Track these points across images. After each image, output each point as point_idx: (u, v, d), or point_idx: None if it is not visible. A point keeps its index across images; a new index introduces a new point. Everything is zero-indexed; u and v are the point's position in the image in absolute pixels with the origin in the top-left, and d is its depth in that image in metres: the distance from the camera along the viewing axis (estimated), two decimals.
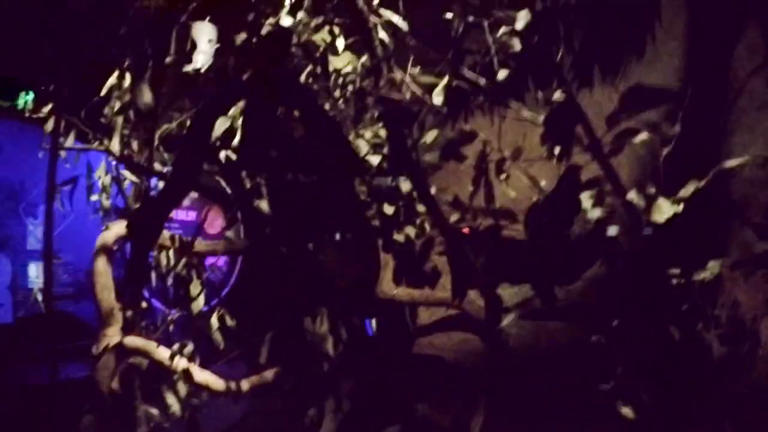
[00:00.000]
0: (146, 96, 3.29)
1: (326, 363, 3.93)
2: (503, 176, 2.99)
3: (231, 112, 3.47)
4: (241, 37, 3.29)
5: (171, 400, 3.29)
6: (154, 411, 3.71)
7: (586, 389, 4.23)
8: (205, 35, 3.71)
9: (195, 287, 3.37)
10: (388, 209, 4.41)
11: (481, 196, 3.13)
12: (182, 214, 6.95)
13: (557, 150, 2.31)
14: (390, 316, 5.10)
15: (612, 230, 3.43)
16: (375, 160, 4.19)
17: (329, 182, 4.54)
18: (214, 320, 3.35)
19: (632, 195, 1.98)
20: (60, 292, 6.15)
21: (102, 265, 3.49)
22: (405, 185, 4.20)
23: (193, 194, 6.34)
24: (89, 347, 3.44)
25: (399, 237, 4.49)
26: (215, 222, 6.93)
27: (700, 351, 3.02)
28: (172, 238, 3.53)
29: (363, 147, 4.17)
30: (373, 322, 6.34)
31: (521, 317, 4.57)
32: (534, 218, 2.37)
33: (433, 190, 3.57)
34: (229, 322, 3.58)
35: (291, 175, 4.48)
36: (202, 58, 3.45)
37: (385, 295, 4.57)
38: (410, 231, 4.28)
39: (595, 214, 2.08)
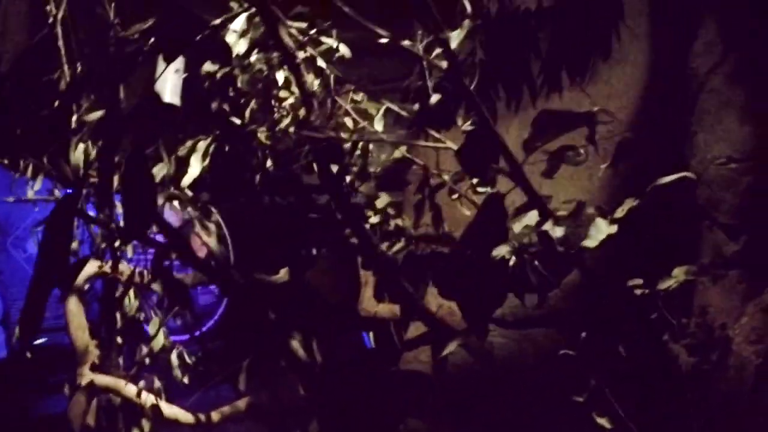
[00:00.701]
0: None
1: (308, 383, 3.92)
2: (455, 197, 2.97)
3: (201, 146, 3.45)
4: (208, 67, 3.30)
5: None
6: None
7: (568, 399, 4.21)
8: (171, 66, 3.72)
9: (153, 325, 3.39)
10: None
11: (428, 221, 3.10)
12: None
13: (475, 180, 2.28)
14: (375, 333, 5.10)
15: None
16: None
17: (305, 203, 4.55)
18: (174, 358, 3.36)
19: (548, 226, 1.94)
20: (53, 324, 6.21)
21: (74, 305, 3.53)
22: (381, 201, 4.20)
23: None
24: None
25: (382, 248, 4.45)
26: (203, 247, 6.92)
27: (668, 362, 2.98)
28: (140, 274, 3.56)
29: None
30: (371, 335, 6.35)
31: (504, 326, 4.55)
32: (466, 244, 2.34)
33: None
34: (188, 359, 3.59)
35: (267, 198, 4.50)
36: (171, 92, 3.46)
37: (367, 313, 4.57)
38: (385, 248, 4.26)
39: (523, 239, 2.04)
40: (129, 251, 3.64)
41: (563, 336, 4.36)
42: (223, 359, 4.51)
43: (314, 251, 4.53)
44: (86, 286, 3.63)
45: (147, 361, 3.47)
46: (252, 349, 4.14)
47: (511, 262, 1.98)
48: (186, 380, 3.41)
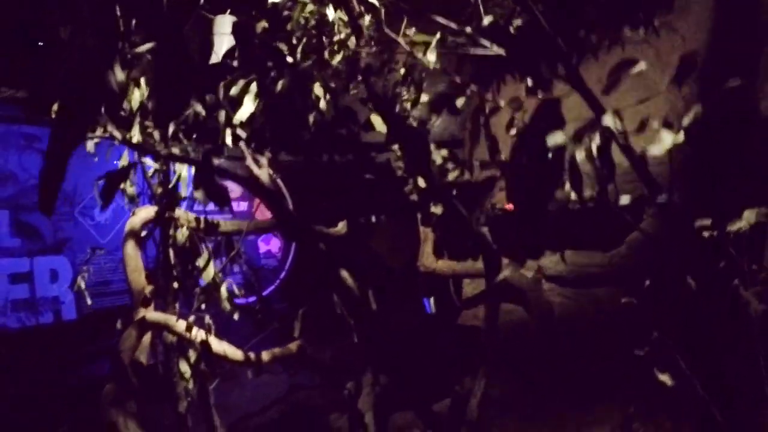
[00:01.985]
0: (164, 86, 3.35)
1: (366, 336, 3.89)
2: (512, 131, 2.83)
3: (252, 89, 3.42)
4: (262, 25, 3.28)
5: (184, 367, 3.34)
6: (191, 387, 3.80)
7: (629, 359, 4.03)
8: (225, 26, 3.75)
9: (203, 259, 3.40)
10: (423, 183, 4.33)
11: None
12: (233, 204, 6.99)
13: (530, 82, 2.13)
14: (435, 297, 5.02)
15: (624, 199, 3.26)
16: None
17: (365, 161, 4.50)
18: (224, 290, 3.37)
19: (608, 119, 1.79)
20: (119, 288, 6.39)
21: (131, 249, 3.58)
22: (438, 156, 4.10)
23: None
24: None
25: (437, 210, 4.37)
26: (267, 211, 6.98)
27: (738, 309, 2.79)
28: (197, 219, 3.58)
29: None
30: (432, 300, 6.28)
31: (565, 285, 4.41)
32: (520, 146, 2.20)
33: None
34: (237, 291, 3.60)
35: (326, 156, 4.47)
36: (223, 49, 3.46)
37: (426, 269, 4.50)
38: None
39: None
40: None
41: (625, 294, 4.19)
42: (282, 315, 4.52)
43: (374, 218, 4.49)
44: (144, 232, 3.68)
45: (200, 298, 3.49)
46: (309, 298, 4.13)
47: (568, 154, 1.81)
48: (236, 316, 3.42)
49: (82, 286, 4.23)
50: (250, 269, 5.55)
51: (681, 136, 2.02)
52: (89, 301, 4.57)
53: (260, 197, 3.82)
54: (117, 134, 3.32)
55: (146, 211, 3.65)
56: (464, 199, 2.92)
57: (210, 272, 3.32)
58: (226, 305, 3.36)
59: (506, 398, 4.39)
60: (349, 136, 4.67)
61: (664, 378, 3.18)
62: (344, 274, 3.25)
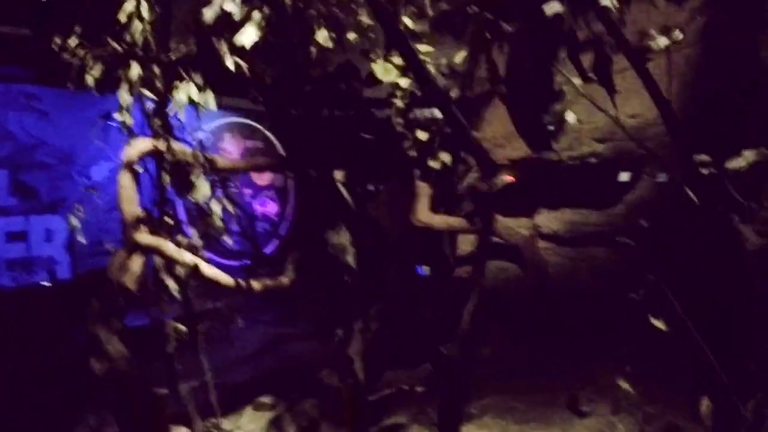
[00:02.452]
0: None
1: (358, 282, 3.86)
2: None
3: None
4: None
5: (171, 284, 3.28)
6: (183, 328, 3.77)
7: (623, 314, 4.01)
8: None
9: (196, 176, 3.35)
10: (422, 135, 4.31)
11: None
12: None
13: None
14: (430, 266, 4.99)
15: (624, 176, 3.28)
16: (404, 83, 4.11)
17: (365, 117, 4.49)
18: (215, 207, 3.32)
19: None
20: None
21: (126, 179, 3.53)
22: (439, 113, 4.08)
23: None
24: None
25: (435, 164, 4.35)
26: (264, 175, 6.92)
27: (736, 246, 2.76)
28: (194, 154, 3.54)
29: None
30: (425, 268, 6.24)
31: (560, 244, 4.38)
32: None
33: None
34: (230, 207, 3.53)
35: (326, 111, 4.45)
36: None
37: (421, 224, 4.47)
38: (445, 158, 4.14)
39: None
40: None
41: (622, 255, 4.17)
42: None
43: (372, 187, 4.47)
44: (139, 164, 3.64)
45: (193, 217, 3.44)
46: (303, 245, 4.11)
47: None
48: (228, 240, 3.37)
49: (76, 224, 4.18)
50: (245, 217, 5.50)
51: (679, 35, 2.00)
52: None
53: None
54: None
55: (143, 142, 3.61)
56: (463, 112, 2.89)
57: (203, 189, 3.29)
58: (218, 222, 3.33)
59: (498, 354, 4.36)
60: (349, 91, 4.67)
61: (659, 324, 3.16)
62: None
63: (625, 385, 4.14)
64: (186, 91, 3.50)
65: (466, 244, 4.86)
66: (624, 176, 3.88)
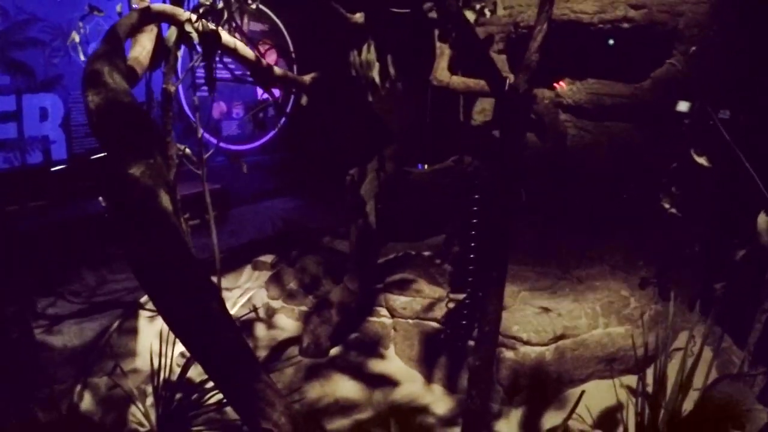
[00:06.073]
0: None
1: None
2: None
3: None
4: None
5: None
6: (188, 151, 3.61)
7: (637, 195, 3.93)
8: None
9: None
10: None
11: None
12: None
13: None
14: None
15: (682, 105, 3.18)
16: None
17: None
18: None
19: None
20: None
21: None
22: None
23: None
24: None
25: (470, 15, 4.09)
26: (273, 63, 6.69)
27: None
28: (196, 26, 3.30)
29: None
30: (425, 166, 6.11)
31: (582, 116, 4.22)
32: None
33: None
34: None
35: None
36: None
37: (439, 83, 4.27)
38: (470, 16, 3.89)
39: None
40: None
41: (641, 131, 4.03)
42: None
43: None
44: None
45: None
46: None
47: None
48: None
49: (77, 39, 3.96)
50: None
51: None
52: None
53: None
54: None
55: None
56: None
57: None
58: None
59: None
60: None
61: (701, 160, 3.14)
62: None
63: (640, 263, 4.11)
64: None
65: (481, 116, 4.69)
66: (682, 105, 3.74)
